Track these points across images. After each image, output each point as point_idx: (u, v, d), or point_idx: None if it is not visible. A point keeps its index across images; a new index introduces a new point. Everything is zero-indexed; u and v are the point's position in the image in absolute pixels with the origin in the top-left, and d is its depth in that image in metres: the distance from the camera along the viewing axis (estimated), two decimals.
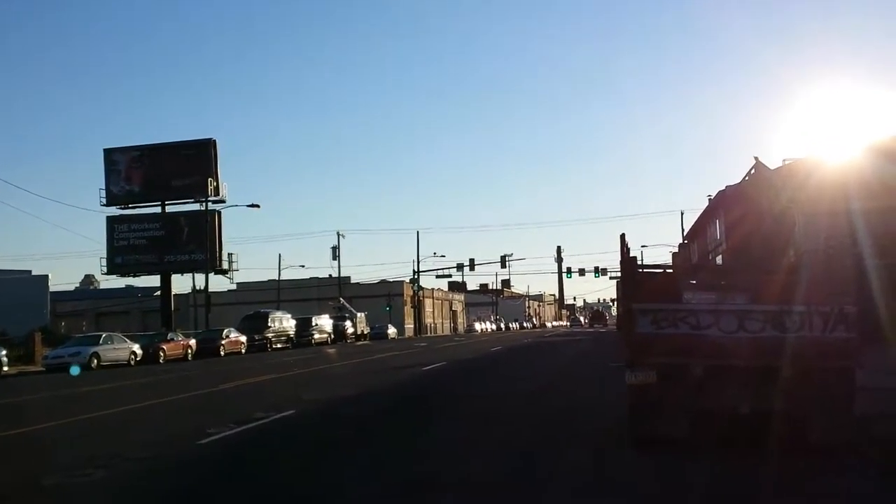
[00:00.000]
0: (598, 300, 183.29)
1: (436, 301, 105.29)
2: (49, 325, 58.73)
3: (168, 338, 40.33)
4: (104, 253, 60.05)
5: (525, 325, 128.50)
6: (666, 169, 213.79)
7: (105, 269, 61.02)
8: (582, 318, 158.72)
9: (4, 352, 31.77)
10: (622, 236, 10.15)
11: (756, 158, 29.29)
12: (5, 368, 30.89)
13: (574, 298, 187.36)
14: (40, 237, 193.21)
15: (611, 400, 11.81)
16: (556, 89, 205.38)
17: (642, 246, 75.09)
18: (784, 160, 29.17)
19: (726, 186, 34.40)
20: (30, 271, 74.70)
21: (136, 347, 36.50)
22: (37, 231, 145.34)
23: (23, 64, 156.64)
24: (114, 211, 60.25)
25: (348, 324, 63.00)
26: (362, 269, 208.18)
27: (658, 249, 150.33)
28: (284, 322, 51.74)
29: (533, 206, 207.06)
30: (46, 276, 73.31)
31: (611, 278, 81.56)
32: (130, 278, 67.18)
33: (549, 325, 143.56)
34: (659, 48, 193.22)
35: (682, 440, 8.44)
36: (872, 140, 23.22)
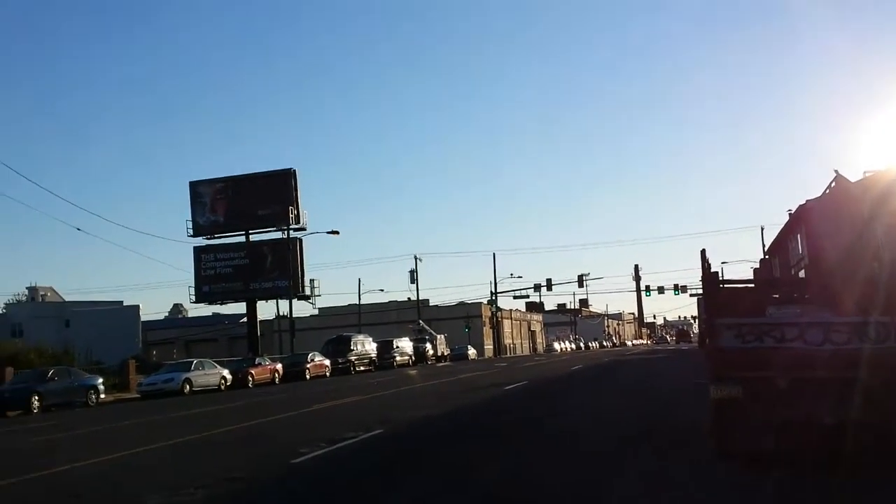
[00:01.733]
0: (679, 317, 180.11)
1: (514, 322, 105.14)
2: (141, 354, 60.93)
3: (256, 363, 41.34)
4: (192, 282, 62.06)
5: (605, 343, 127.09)
6: (744, 184, 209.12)
7: (193, 298, 63.13)
8: (668, 336, 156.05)
9: (100, 380, 32.92)
10: (703, 252, 10.23)
11: (836, 171, 28.72)
12: (102, 396, 32.06)
13: (654, 316, 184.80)
14: (131, 269, 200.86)
15: (696, 416, 11.79)
16: (629, 108, 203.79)
17: (722, 262, 73.52)
18: (865, 172, 28.52)
19: (807, 200, 33.72)
20: (122, 302, 77.84)
21: (226, 373, 37.50)
22: (128, 263, 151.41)
23: (114, 103, 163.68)
24: (200, 241, 62.35)
25: (428, 346, 63.41)
26: (440, 291, 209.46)
27: (739, 265, 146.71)
28: (366, 345, 52.47)
29: (610, 224, 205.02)
30: (138, 306, 76.31)
31: (691, 295, 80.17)
32: (217, 306, 69.25)
33: (629, 343, 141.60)
34: (733, 63, 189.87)
35: (768, 453, 8.46)
36: None
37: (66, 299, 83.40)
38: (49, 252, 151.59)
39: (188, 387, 34.20)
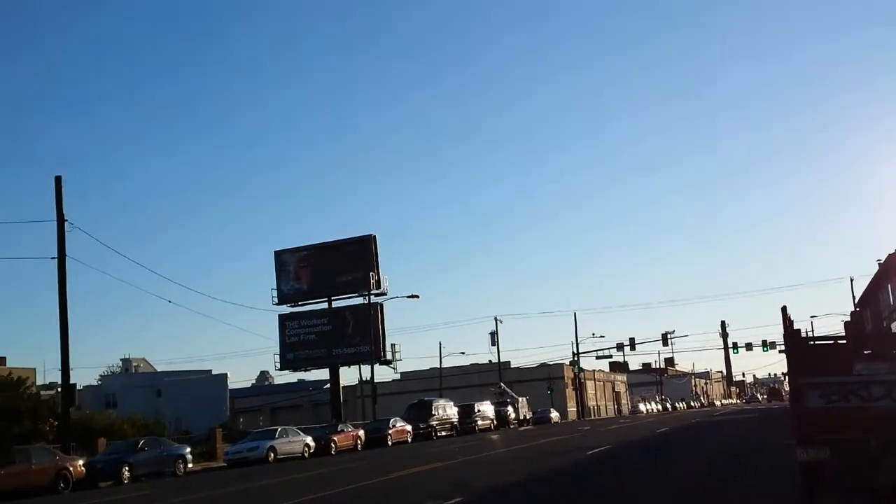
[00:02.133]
0: (769, 375, 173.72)
1: (597, 382, 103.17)
2: (229, 421, 61.90)
3: (338, 429, 41.46)
4: (277, 350, 63.03)
5: (692, 403, 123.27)
6: (831, 234, 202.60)
7: (278, 366, 63.96)
8: (759, 395, 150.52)
9: (188, 449, 33.41)
10: (783, 309, 9.98)
11: None
12: (190, 465, 32.52)
13: (742, 374, 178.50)
14: (220, 338, 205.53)
15: (789, 480, 11.30)
16: (712, 160, 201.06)
17: (811, 316, 71.29)
18: None
19: None
20: (210, 371, 79.57)
21: (310, 440, 37.69)
22: (216, 332, 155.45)
23: (202, 179, 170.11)
24: (284, 309, 63.47)
25: (510, 409, 62.59)
26: (522, 353, 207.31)
27: (829, 319, 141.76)
28: (448, 409, 52.14)
29: (693, 280, 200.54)
30: (226, 374, 77.84)
31: (780, 352, 77.37)
32: (302, 373, 70.06)
33: (717, 403, 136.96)
34: (812, 113, 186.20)
35: None
36: None
37: (158, 369, 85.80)
38: (142, 324, 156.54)
39: (272, 455, 34.45)
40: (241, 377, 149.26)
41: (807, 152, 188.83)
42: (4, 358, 56.02)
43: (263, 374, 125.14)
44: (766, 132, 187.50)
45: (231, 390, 79.06)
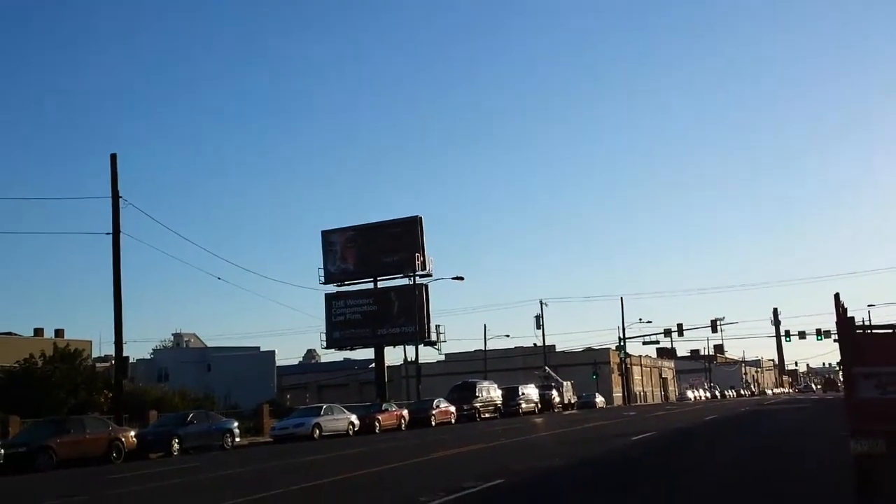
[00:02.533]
0: (823, 364, 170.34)
1: (644, 368, 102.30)
2: (276, 398, 62.79)
3: (383, 408, 41.73)
4: (324, 328, 63.67)
5: (742, 392, 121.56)
6: (890, 220, 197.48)
7: (325, 344, 64.74)
8: (813, 385, 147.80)
9: (236, 424, 33.96)
10: (836, 296, 9.65)
11: None
12: (237, 439, 33.04)
13: (795, 363, 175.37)
14: (268, 315, 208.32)
15: (843, 473, 10.99)
16: (769, 146, 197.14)
17: (869, 305, 69.46)
18: None
19: None
20: (259, 348, 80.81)
21: (354, 418, 38.01)
22: (265, 310, 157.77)
23: (253, 159, 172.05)
24: (331, 289, 64.10)
25: (555, 393, 62.36)
26: (567, 336, 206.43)
27: (888, 308, 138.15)
28: (492, 392, 52.11)
29: (744, 267, 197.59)
30: (273, 351, 79.09)
31: (834, 341, 75.76)
32: (347, 351, 70.69)
33: (768, 392, 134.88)
34: (868, 97, 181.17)
35: None
36: None
37: (208, 345, 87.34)
38: (193, 300, 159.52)
39: (318, 431, 34.83)
40: (288, 355, 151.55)
41: (874, 138, 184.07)
42: (62, 330, 57.48)
43: (310, 353, 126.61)
44: (825, 119, 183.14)
45: (278, 367, 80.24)
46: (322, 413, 36.76)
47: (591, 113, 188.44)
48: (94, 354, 61.23)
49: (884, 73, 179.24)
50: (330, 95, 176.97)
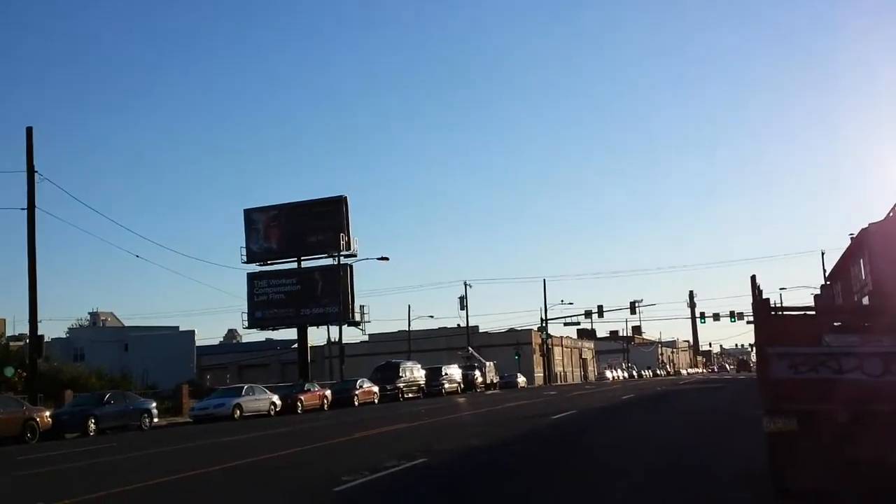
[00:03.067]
0: (736, 346, 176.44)
1: (565, 349, 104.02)
2: (196, 378, 61.73)
3: (305, 389, 41.48)
4: (246, 308, 62.73)
5: (658, 372, 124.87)
6: (804, 208, 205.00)
7: (246, 324, 63.70)
8: (727, 365, 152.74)
9: (154, 404, 33.32)
10: (753, 278, 9.88)
11: None
12: (156, 420, 32.39)
13: (710, 344, 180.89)
14: (188, 295, 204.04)
15: (753, 450, 11.36)
16: (683, 131, 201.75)
17: (781, 288, 71.81)
18: None
19: (869, 224, 32.72)
20: (177, 327, 79.15)
21: (276, 398, 37.66)
22: (185, 289, 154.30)
23: (169, 135, 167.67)
24: (253, 268, 63.05)
25: (477, 373, 62.99)
26: (490, 318, 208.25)
27: (798, 291, 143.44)
28: (415, 372, 52.29)
29: (663, 250, 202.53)
30: (193, 331, 77.65)
31: (748, 322, 78.35)
32: (270, 332, 69.82)
33: (683, 372, 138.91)
34: (791, 84, 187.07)
35: (828, 492, 7.99)
36: None
37: (126, 324, 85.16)
38: (111, 278, 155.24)
39: (238, 412, 34.42)
40: (208, 335, 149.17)
41: (783, 127, 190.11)
42: None
43: (231, 333, 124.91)
44: (743, 107, 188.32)
45: (198, 347, 78.81)
46: (243, 393, 36.33)
47: (516, 94, 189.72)
48: (8, 333, 59.11)
49: (792, 58, 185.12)
50: (254, 73, 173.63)
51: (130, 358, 65.99)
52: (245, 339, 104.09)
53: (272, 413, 36.36)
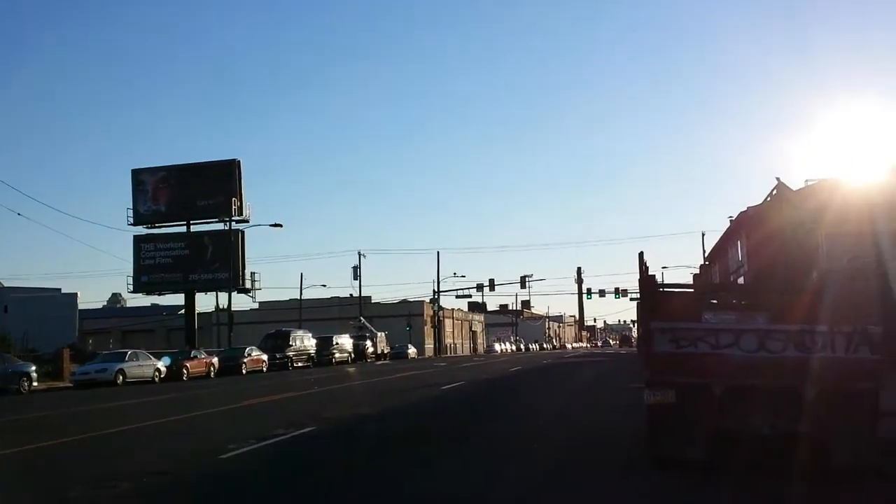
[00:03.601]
0: (619, 321, 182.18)
1: (456, 321, 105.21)
2: (77, 343, 59.35)
3: (192, 355, 40.69)
4: (131, 272, 60.71)
5: (545, 346, 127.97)
6: (687, 190, 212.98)
7: (131, 288, 61.60)
8: (611, 340, 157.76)
9: (33, 367, 32.17)
10: (640, 255, 10.19)
11: (778, 179, 29.34)
12: (35, 384, 31.28)
13: (594, 320, 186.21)
14: (70, 256, 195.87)
15: (632, 421, 11.81)
16: (575, 112, 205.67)
17: (663, 267, 74.57)
18: (807, 181, 29.14)
19: (748, 207, 34.30)
20: (59, 289, 75.72)
21: (161, 364, 36.86)
22: (67, 250, 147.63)
23: (53, 87, 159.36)
24: (140, 230, 60.94)
25: (368, 343, 63.09)
26: (383, 288, 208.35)
27: (679, 271, 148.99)
28: (305, 341, 51.91)
29: (554, 227, 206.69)
30: (75, 294, 74.24)
31: (631, 299, 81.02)
32: (156, 297, 67.81)
33: (568, 346, 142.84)
34: (677, 70, 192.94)
35: (702, 462, 8.36)
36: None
37: (5, 285, 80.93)
38: None
39: (121, 378, 33.55)
40: (92, 298, 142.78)
41: (669, 108, 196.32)
42: None
43: (115, 297, 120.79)
44: (631, 85, 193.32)
45: (81, 311, 75.56)
46: (126, 359, 35.41)
47: (415, 64, 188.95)
48: None
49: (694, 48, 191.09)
50: (145, 28, 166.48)
51: (9, 320, 62.72)
52: (130, 304, 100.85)
53: (156, 380, 35.52)
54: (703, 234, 68.39)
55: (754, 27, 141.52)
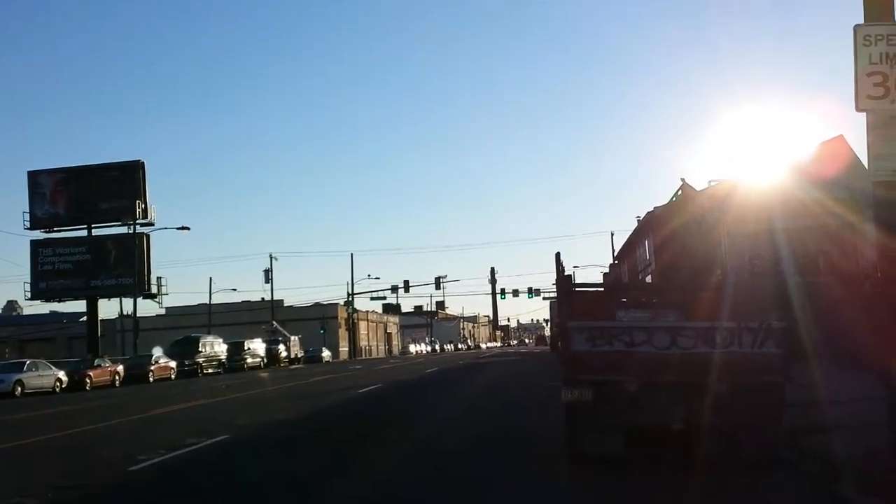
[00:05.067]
0: (532, 321, 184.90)
1: (370, 323, 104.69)
2: None
3: (95, 364, 39.32)
4: (28, 278, 58.23)
5: (460, 346, 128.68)
6: (596, 191, 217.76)
7: (29, 295, 59.16)
8: (526, 340, 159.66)
9: None
10: (557, 255, 10.30)
11: (683, 180, 30.27)
12: None
13: (508, 319, 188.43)
14: None
15: (549, 418, 11.93)
16: (487, 115, 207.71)
17: (574, 266, 75.81)
18: (710, 181, 30.12)
19: (654, 207, 35.27)
20: None
21: (62, 374, 35.58)
22: None
23: None
24: (38, 235, 58.55)
25: (281, 347, 62.19)
26: (296, 291, 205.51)
27: (589, 270, 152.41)
28: (216, 346, 50.80)
29: (466, 228, 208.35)
30: None
31: (544, 299, 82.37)
32: (55, 304, 65.19)
33: (483, 346, 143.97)
34: (582, 72, 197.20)
35: (617, 456, 8.54)
36: (793, 162, 24.18)
37: None
38: None
39: (20, 389, 32.37)
40: None
41: (578, 112, 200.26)
42: None
43: (11, 304, 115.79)
44: (542, 91, 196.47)
45: None
46: (25, 369, 34.08)
47: (327, 65, 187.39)
48: None
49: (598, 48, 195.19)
50: (45, 24, 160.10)
51: None
52: (27, 312, 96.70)
53: (58, 390, 34.20)
54: (612, 234, 70.14)
55: (656, 32, 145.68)
